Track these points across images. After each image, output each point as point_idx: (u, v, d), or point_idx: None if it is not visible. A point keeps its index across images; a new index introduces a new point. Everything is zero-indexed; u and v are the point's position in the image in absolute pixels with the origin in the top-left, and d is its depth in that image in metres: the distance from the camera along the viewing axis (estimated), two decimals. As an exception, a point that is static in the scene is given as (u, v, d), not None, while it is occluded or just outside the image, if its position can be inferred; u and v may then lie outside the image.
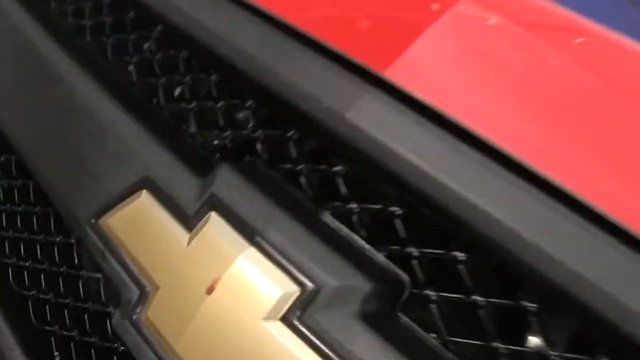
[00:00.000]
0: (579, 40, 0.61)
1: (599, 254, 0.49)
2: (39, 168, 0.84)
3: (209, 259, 0.64)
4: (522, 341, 0.58)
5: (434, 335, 0.60)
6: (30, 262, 0.88)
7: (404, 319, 0.61)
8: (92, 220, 0.74)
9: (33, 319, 0.86)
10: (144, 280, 0.68)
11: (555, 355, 0.54)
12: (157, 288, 0.67)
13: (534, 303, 0.54)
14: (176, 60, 0.79)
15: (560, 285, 0.49)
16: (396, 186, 0.58)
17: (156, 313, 0.66)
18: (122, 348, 0.74)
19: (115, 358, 0.76)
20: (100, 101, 0.79)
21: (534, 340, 0.59)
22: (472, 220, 0.53)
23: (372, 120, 0.59)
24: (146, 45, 0.84)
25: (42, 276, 0.86)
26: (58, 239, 0.85)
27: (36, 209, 0.89)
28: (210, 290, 0.62)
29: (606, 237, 0.49)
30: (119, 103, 0.79)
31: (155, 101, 0.81)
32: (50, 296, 0.85)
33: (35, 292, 0.87)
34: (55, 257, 0.85)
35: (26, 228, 0.90)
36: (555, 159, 0.54)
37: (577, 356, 0.53)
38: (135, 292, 0.68)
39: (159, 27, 0.82)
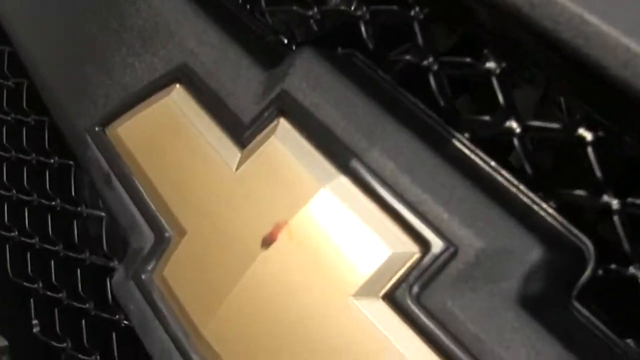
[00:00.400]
0: None
1: None
2: (33, 59, 0.65)
3: (270, 192, 0.43)
4: None
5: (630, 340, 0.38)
6: (14, 190, 0.69)
7: (584, 311, 0.39)
8: (97, 128, 0.54)
9: (9, 272, 0.67)
10: (163, 221, 0.48)
11: None
12: (182, 234, 0.46)
13: None
14: None
15: None
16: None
17: (177, 272, 0.46)
18: (125, 322, 0.54)
19: (114, 335, 0.56)
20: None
21: None
22: None
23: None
24: None
25: (26, 210, 0.66)
26: (52, 160, 0.65)
27: (29, 119, 0.70)
28: (268, 242, 0.42)
29: None
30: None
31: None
32: (34, 240, 0.66)
33: (16, 233, 0.68)
34: (46, 185, 0.65)
35: (14, 144, 0.71)
36: None
37: None
38: (149, 238, 0.49)
39: None
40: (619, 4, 0.35)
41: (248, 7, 0.59)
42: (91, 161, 0.54)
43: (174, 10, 0.55)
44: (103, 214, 0.59)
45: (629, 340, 0.38)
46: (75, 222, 0.62)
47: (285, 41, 0.54)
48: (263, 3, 0.56)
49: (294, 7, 0.54)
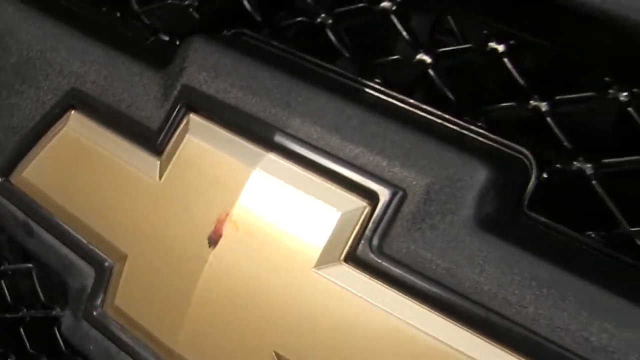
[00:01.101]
0: None
1: None
2: None
3: (202, 190, 0.42)
4: None
5: (590, 232, 0.39)
6: None
7: (539, 218, 0.40)
8: (0, 180, 0.52)
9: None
10: (99, 252, 0.46)
11: None
12: (122, 259, 0.45)
13: None
14: None
15: None
16: None
17: (129, 298, 0.45)
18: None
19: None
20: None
21: None
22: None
23: None
24: None
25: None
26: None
27: None
28: (214, 240, 0.41)
29: None
30: None
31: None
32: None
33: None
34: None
35: None
36: None
37: None
38: (89, 273, 0.47)
39: None
40: None
41: (118, 14, 0.57)
42: (3, 216, 0.52)
43: (44, 38, 0.52)
44: (30, 265, 0.57)
45: (589, 233, 0.39)
46: (2, 282, 0.59)
47: (167, 38, 0.53)
48: (135, 5, 0.55)
49: (169, 1, 0.52)
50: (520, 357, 0.35)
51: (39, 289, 0.55)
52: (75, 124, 0.48)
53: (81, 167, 0.48)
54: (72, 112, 0.49)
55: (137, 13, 0.54)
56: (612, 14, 0.33)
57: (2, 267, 0.59)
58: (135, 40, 0.52)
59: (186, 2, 0.52)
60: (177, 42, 0.53)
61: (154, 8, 0.54)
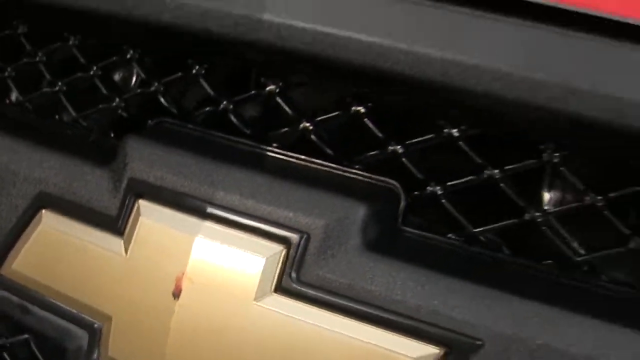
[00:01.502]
0: None
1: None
2: None
3: (160, 258, 0.55)
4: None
5: (451, 235, 0.54)
6: None
7: (411, 230, 0.55)
8: (-7, 273, 0.64)
9: None
10: (88, 317, 0.59)
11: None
12: (109, 319, 0.58)
13: (555, 152, 0.50)
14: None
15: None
16: (355, 74, 0.51)
17: (120, 349, 0.58)
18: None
19: None
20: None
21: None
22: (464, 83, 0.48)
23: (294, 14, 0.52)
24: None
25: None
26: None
27: None
28: (177, 294, 0.54)
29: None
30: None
31: (7, 100, 0.71)
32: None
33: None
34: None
35: None
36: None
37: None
38: (83, 337, 0.60)
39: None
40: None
41: (64, 119, 0.70)
42: (1, 300, 0.64)
43: (5, 153, 0.65)
44: (27, 335, 0.69)
45: (450, 236, 0.54)
46: (3, 354, 0.72)
47: (112, 134, 0.66)
48: (73, 112, 0.67)
49: (100, 106, 0.66)
50: (412, 340, 0.50)
51: (39, 356, 0.68)
52: (48, 220, 0.61)
53: (60, 254, 0.60)
54: (43, 211, 0.62)
55: (76, 118, 0.67)
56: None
57: (1, 341, 0.72)
58: (81, 141, 0.66)
59: (114, 104, 0.65)
60: (112, 135, 0.67)
61: (89, 113, 0.67)
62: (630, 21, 0.45)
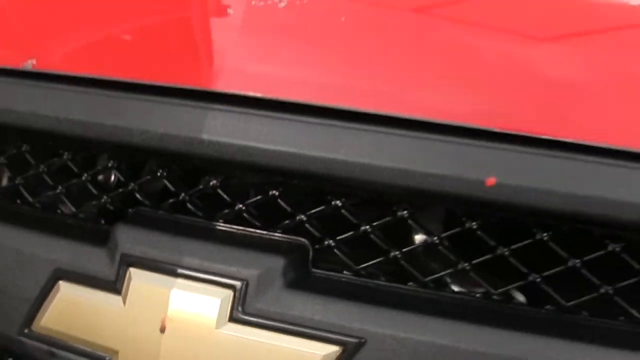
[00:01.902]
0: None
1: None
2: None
3: (149, 306, 0.82)
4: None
5: (347, 272, 0.82)
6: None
7: (318, 271, 0.82)
8: (26, 330, 0.89)
9: None
10: (101, 353, 0.85)
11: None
12: (116, 353, 0.84)
13: (404, 210, 0.78)
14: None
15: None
16: (266, 173, 0.78)
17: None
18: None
19: None
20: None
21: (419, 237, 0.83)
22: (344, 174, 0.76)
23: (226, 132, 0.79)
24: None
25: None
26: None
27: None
28: (163, 329, 0.81)
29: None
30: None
31: (19, 201, 0.97)
32: None
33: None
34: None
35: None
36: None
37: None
38: (99, 366, 0.86)
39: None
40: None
41: (60, 212, 0.96)
42: (33, 351, 0.90)
43: (25, 241, 0.90)
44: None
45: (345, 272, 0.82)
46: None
47: (102, 221, 0.92)
48: (71, 207, 0.94)
49: (93, 202, 0.92)
50: (320, 343, 0.76)
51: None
52: (65, 288, 0.86)
53: (76, 310, 0.86)
54: (60, 282, 0.87)
55: (75, 212, 0.94)
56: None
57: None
58: (81, 228, 0.92)
59: (102, 200, 0.91)
60: (103, 221, 0.93)
61: (84, 208, 0.93)
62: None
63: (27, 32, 0.99)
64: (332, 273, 0.82)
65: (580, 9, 0.82)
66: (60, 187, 0.94)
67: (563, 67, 0.77)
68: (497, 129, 0.73)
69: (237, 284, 0.79)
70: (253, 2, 0.84)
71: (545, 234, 0.76)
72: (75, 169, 0.93)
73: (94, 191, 0.93)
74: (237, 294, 0.79)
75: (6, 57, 0.96)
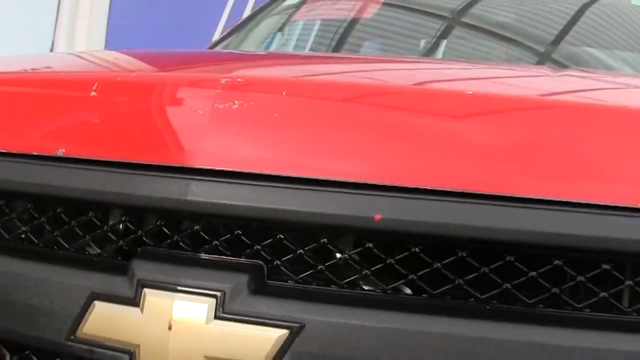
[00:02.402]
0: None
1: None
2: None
3: (159, 313, 1.22)
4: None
5: (291, 281, 1.24)
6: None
7: (272, 281, 1.24)
8: (71, 337, 1.29)
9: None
10: (127, 347, 1.25)
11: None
12: (138, 346, 1.24)
13: (325, 238, 1.21)
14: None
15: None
16: (231, 219, 1.21)
17: None
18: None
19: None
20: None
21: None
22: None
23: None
24: None
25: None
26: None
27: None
28: (170, 328, 1.21)
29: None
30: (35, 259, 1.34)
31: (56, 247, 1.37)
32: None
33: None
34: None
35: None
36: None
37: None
38: (125, 357, 1.26)
39: None
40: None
41: (87, 252, 1.36)
42: (77, 350, 1.29)
43: (63, 276, 1.30)
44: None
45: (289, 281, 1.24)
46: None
47: (119, 257, 1.33)
48: (97, 249, 1.34)
49: (113, 246, 1.32)
50: (274, 328, 1.18)
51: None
52: (99, 305, 1.27)
53: (108, 319, 1.26)
54: (95, 302, 1.27)
55: (99, 252, 1.34)
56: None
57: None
58: (105, 262, 1.32)
59: (120, 244, 1.32)
60: (120, 258, 1.33)
61: (106, 250, 1.34)
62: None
63: (55, 125, 1.40)
64: (280, 283, 1.24)
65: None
66: (88, 236, 1.35)
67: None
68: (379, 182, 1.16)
69: (218, 293, 1.20)
70: (215, 105, 1.26)
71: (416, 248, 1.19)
72: (97, 223, 1.34)
73: (113, 237, 1.33)
74: (218, 300, 1.20)
75: (42, 146, 1.36)
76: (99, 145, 1.32)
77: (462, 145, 1.19)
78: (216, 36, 7.80)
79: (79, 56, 1.93)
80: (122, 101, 1.36)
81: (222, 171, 1.21)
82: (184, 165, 1.23)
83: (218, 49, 3.74)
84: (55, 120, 1.39)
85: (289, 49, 3.72)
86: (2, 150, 1.38)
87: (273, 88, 1.30)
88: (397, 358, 1.13)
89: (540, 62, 3.22)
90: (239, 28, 4.29)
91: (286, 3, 4.50)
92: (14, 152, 1.38)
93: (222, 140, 1.24)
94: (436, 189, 1.14)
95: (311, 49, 3.76)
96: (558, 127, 1.19)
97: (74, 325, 1.29)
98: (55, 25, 8.53)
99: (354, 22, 4.13)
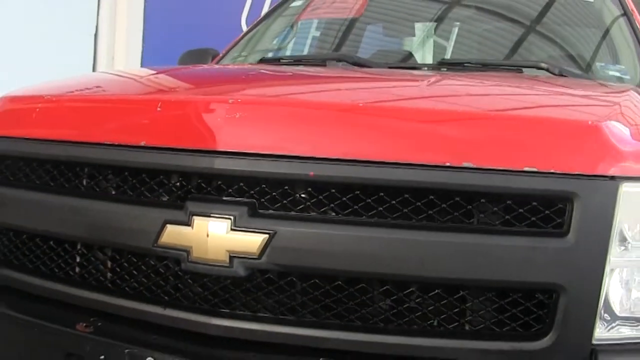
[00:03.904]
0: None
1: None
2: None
3: (201, 228, 2.29)
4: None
5: (270, 209, 2.31)
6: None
7: (260, 210, 2.31)
8: (154, 244, 2.38)
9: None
10: (185, 248, 2.33)
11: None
12: (191, 247, 2.31)
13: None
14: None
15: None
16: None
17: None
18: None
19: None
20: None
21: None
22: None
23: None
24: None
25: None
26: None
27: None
28: (207, 235, 2.28)
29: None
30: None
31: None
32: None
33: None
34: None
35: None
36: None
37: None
38: (183, 253, 2.34)
39: None
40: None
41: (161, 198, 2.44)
42: (158, 252, 2.38)
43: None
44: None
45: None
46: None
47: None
48: (165, 194, 2.42)
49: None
50: (265, 234, 2.23)
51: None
52: (169, 227, 2.35)
53: (173, 234, 2.35)
54: (167, 225, 2.36)
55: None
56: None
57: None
58: (170, 203, 2.40)
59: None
60: (179, 201, 2.40)
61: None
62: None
63: (138, 127, 2.47)
64: (263, 211, 2.29)
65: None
66: (160, 189, 2.43)
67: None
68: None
69: (231, 217, 2.14)
70: (226, 115, 2.31)
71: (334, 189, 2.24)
72: (165, 182, 2.42)
73: (175, 189, 2.41)
74: (231, 221, 2.16)
75: (130, 140, 2.44)
76: (163, 138, 2.39)
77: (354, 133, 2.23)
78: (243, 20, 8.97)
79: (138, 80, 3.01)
80: (175, 113, 2.42)
81: (230, 152, 2.27)
82: (209, 149, 2.29)
83: (236, 49, 4.83)
84: (137, 123, 2.46)
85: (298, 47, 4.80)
86: (108, 142, 2.46)
87: (255, 105, 2.35)
88: (327, 249, 2.18)
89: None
90: (254, 27, 5.36)
91: (293, 4, 5.56)
92: (116, 142, 2.45)
93: (231, 134, 2.30)
94: (341, 157, 2.19)
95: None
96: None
97: (155, 238, 2.36)
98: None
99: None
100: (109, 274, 2.40)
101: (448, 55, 4.85)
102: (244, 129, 2.25)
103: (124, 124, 2.42)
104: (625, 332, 1.94)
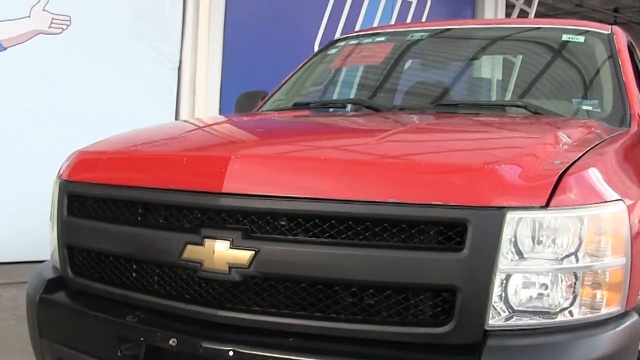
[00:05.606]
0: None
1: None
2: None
3: (210, 247, 3.21)
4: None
5: (258, 233, 3.24)
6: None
7: (252, 234, 3.23)
8: (179, 259, 3.32)
9: None
10: (198, 261, 3.26)
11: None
12: (203, 260, 3.25)
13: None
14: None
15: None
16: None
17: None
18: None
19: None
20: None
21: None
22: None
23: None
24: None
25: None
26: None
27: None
28: (214, 252, 3.21)
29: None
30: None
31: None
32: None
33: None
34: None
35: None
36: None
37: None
38: (198, 265, 3.28)
39: None
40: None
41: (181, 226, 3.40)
42: (193, 253, 3.33)
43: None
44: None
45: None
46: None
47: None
48: (186, 222, 3.36)
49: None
50: (251, 251, 3.14)
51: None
52: (189, 246, 3.30)
53: (192, 251, 3.29)
54: (187, 245, 3.29)
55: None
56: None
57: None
58: (189, 229, 3.35)
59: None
60: (195, 227, 3.34)
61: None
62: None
63: (166, 174, 3.44)
64: (254, 234, 3.20)
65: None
66: (182, 219, 3.39)
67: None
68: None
69: (230, 239, 3.11)
70: (230, 168, 3.25)
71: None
72: (186, 213, 3.38)
73: (194, 220, 3.36)
74: (230, 242, 3.12)
75: (160, 183, 3.41)
76: (186, 183, 3.34)
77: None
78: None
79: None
80: (194, 165, 3.37)
81: (230, 193, 3.20)
82: (216, 191, 3.22)
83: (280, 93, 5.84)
84: (168, 173, 3.42)
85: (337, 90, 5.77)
86: (149, 186, 3.43)
87: (250, 159, 3.28)
88: (296, 260, 3.07)
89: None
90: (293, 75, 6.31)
91: (329, 52, 6.47)
92: (154, 186, 3.42)
93: (231, 180, 3.22)
94: (306, 196, 3.09)
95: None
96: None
97: (179, 254, 3.29)
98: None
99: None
100: (150, 280, 3.36)
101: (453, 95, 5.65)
102: (241, 177, 3.18)
103: (159, 173, 3.39)
104: (524, 321, 2.63)
